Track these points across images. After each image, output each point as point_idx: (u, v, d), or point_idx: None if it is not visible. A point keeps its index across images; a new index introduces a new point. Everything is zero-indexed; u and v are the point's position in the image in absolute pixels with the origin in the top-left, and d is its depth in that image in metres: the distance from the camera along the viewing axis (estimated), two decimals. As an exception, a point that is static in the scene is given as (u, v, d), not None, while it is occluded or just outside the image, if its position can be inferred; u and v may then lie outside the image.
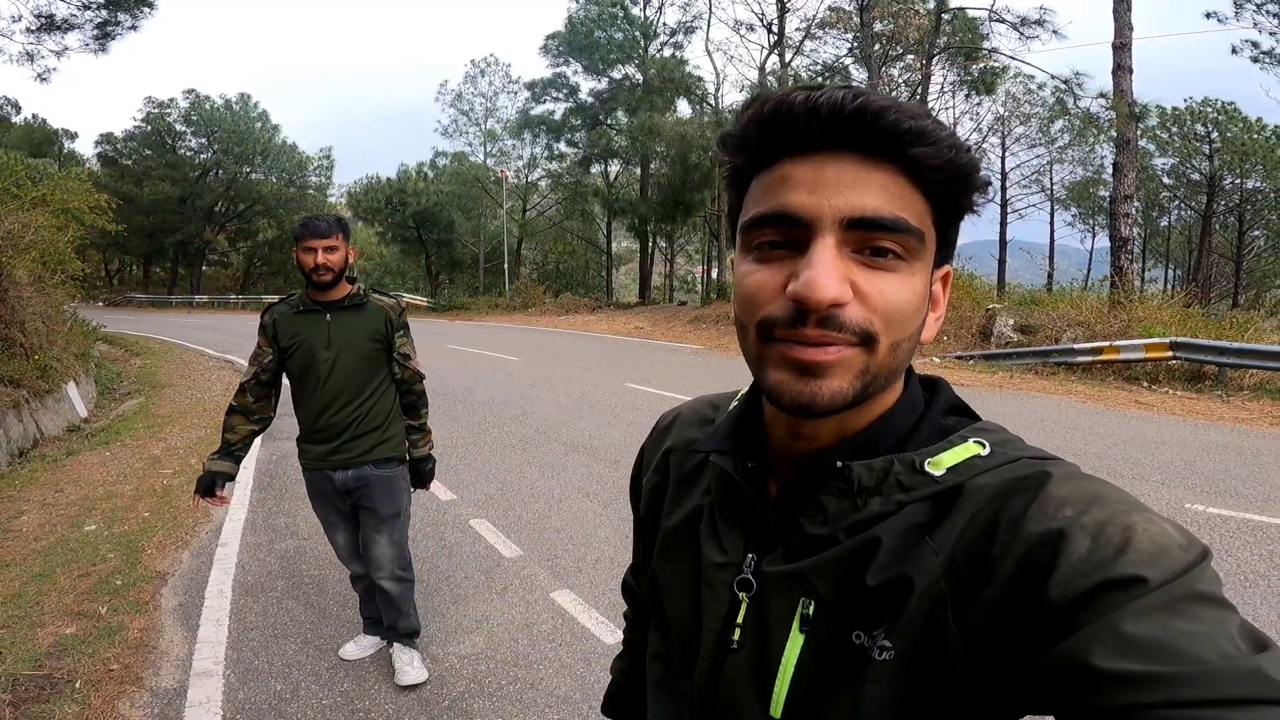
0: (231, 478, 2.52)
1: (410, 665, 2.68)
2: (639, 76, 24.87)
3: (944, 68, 17.78)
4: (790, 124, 0.50)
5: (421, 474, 2.74)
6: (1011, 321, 12.31)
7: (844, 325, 0.48)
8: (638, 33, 25.43)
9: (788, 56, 20.03)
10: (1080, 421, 7.26)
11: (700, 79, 25.14)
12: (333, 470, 2.53)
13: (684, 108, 25.22)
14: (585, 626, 3.09)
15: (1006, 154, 29.15)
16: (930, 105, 24.88)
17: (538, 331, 18.39)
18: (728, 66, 66.16)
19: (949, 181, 0.50)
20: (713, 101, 24.89)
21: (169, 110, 35.93)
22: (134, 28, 14.03)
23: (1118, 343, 10.02)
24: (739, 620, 0.57)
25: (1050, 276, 28.77)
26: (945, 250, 0.55)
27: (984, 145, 27.52)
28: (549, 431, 6.81)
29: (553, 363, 12.07)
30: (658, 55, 25.09)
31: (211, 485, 2.45)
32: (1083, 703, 0.40)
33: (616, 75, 25.77)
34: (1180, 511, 4.42)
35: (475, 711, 2.53)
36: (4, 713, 2.45)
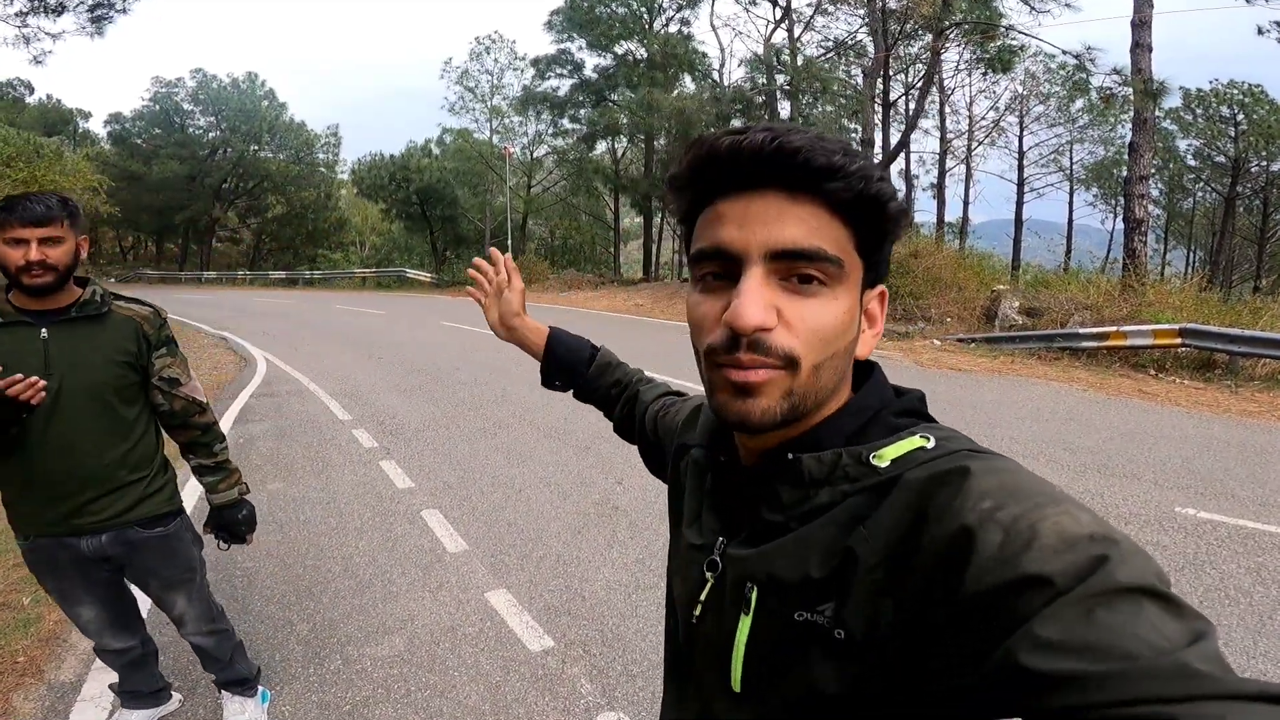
0: None
1: (239, 715, 2.29)
2: (642, 52, 24.33)
3: (960, 45, 17.17)
4: (719, 167, 0.55)
5: (229, 526, 2.10)
6: (1017, 304, 11.96)
7: (770, 349, 0.53)
8: (642, 8, 24.81)
9: (797, 31, 19.42)
10: (1078, 411, 6.98)
11: (705, 55, 24.56)
12: (73, 536, 1.87)
13: (690, 84, 24.70)
14: (513, 631, 2.92)
15: (1025, 132, 28.35)
16: (945, 84, 24.20)
17: (536, 309, 18.08)
18: (735, 42, 64.89)
19: (864, 210, 0.55)
20: (717, 77, 24.31)
21: (177, 90, 36.09)
22: (124, 10, 13.85)
23: (1125, 328, 9.66)
24: (701, 598, 0.64)
25: (1068, 256, 28.14)
26: (875, 271, 0.60)
27: (1001, 124, 26.74)
28: (525, 415, 6.65)
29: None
30: (662, 31, 24.50)
31: None
32: (1017, 704, 0.40)
33: (620, 51, 25.22)
34: (1168, 516, 4.18)
35: (375, 718, 2.38)
36: None
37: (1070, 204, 31.41)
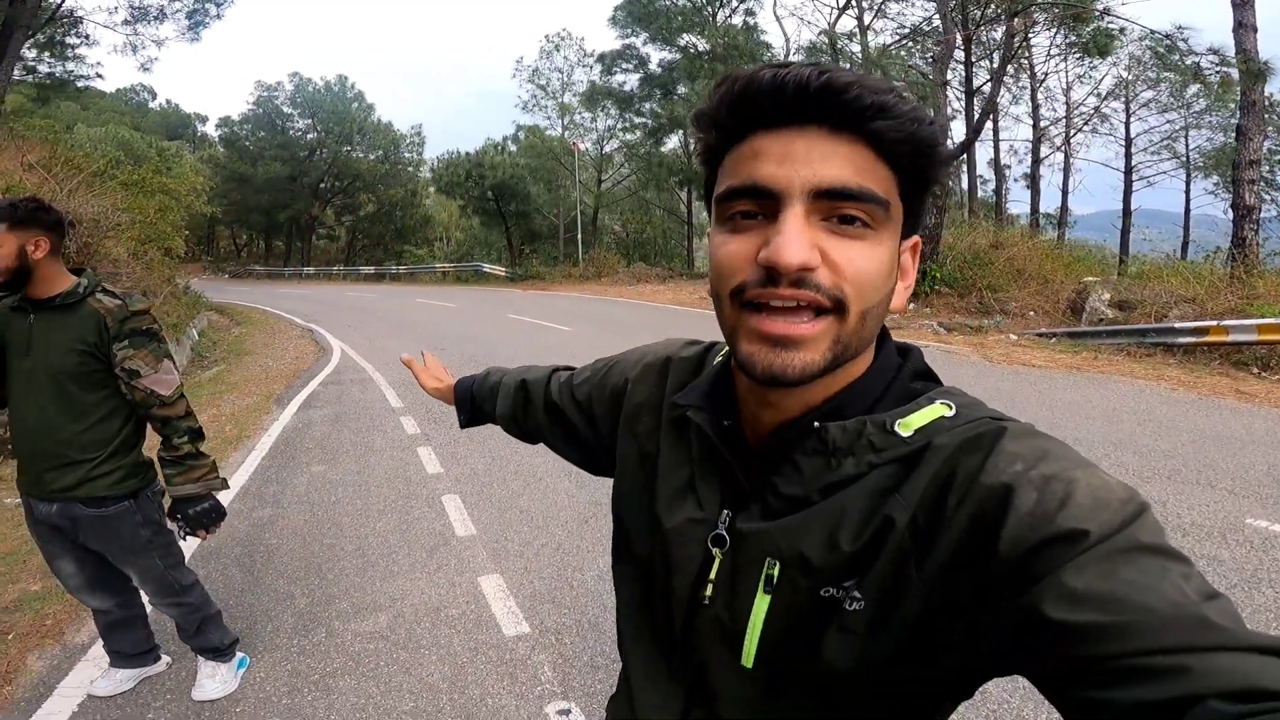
0: None
1: (211, 679, 2.44)
2: (704, 45, 24.03)
3: (1049, 28, 15.98)
4: (759, 101, 0.52)
5: (186, 517, 2.13)
6: (1108, 296, 11.06)
7: (818, 286, 0.50)
8: (704, 0, 24.49)
9: (867, 19, 18.60)
10: (1159, 412, 6.39)
11: (769, 45, 23.97)
12: (35, 500, 2.09)
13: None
14: (493, 615, 2.96)
15: (1132, 119, 26.10)
16: (1037, 69, 22.59)
17: (602, 302, 18.32)
18: (801, 31, 62.80)
19: (911, 154, 0.52)
20: None
21: (277, 93, 38.04)
22: (219, 16, 15.00)
23: (1226, 322, 8.76)
24: (711, 576, 0.60)
25: (1184, 248, 25.77)
26: (913, 221, 0.57)
27: (1103, 110, 24.70)
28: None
29: (602, 334, 11.98)
30: (725, 22, 24.11)
31: None
32: (1041, 653, 0.42)
33: (682, 43, 25.00)
34: (1235, 527, 3.76)
35: (337, 689, 2.47)
36: None
37: (1187, 193, 28.75)
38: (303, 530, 3.91)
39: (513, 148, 32.87)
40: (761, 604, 0.56)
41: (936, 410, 0.55)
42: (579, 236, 27.75)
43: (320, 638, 2.80)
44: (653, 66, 26.59)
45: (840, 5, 18.45)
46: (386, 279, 31.85)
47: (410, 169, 40.68)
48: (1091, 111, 24.88)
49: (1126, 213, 26.54)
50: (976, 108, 16.00)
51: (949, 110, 15.29)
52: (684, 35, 24.80)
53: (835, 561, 0.53)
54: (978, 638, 0.47)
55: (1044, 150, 24.78)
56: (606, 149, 31.72)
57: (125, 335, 2.00)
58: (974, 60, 17.09)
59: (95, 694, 2.42)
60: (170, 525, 2.23)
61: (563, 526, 3.88)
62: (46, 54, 16.52)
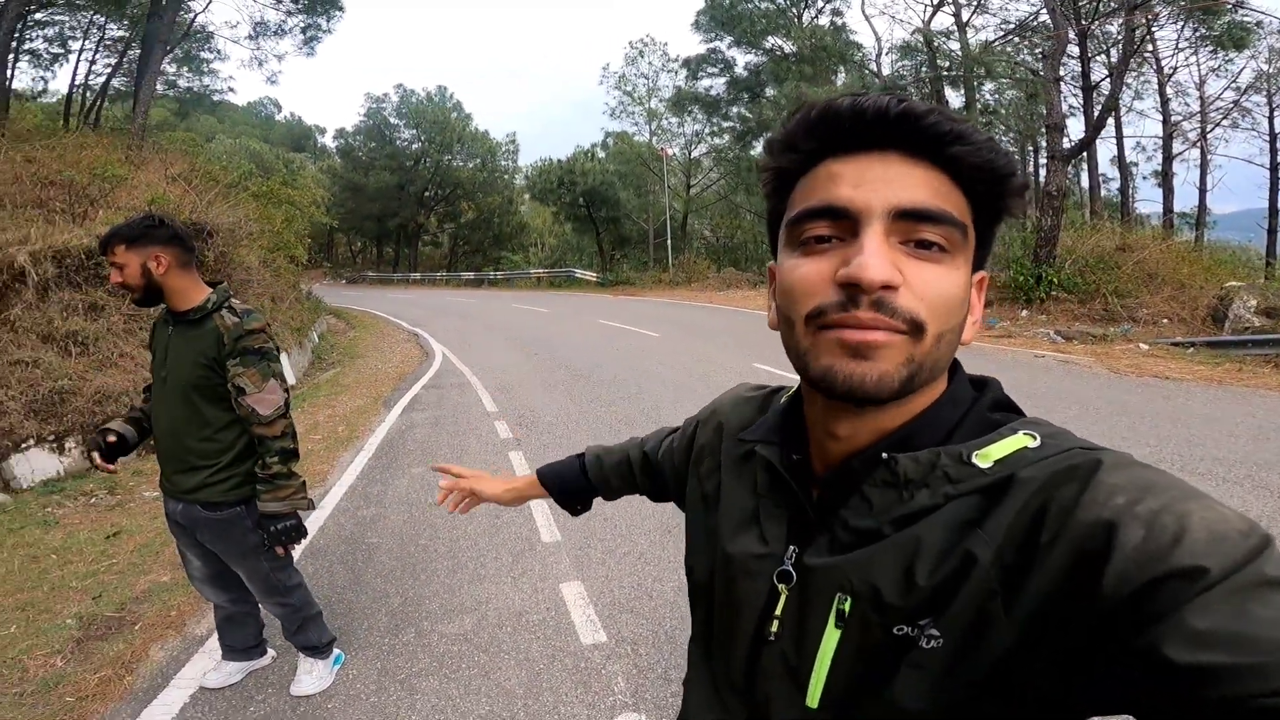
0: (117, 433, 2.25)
1: (308, 674, 2.58)
2: (790, 47, 23.50)
3: (1176, 21, 14.59)
4: (837, 125, 0.53)
5: (269, 532, 2.21)
6: (1254, 303, 9.95)
7: (895, 310, 0.49)
8: (788, 2, 23.92)
9: (965, 15, 17.59)
10: (1316, 433, 5.65)
11: (859, 45, 23.17)
12: (167, 496, 2.30)
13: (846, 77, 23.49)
14: (573, 623, 3.00)
15: (1276, 112, 23.34)
16: (1163, 63, 20.63)
17: (691, 307, 18.31)
18: (893, 29, 59.74)
19: (988, 181, 0.52)
20: (875, 67, 22.78)
21: (384, 105, 40.05)
22: (329, 30, 16.27)
23: (1406, 332, 7.67)
24: (777, 612, 0.59)
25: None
26: (983, 253, 0.57)
27: (1242, 104, 22.21)
28: (654, 413, 6.74)
29: (690, 339, 11.96)
30: (811, 24, 23.53)
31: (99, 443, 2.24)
32: (1161, 696, 0.40)
33: (768, 46, 24.55)
34: None
35: (420, 689, 2.57)
36: (68, 645, 2.89)
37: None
38: (401, 530, 4.11)
39: (602, 154, 33.42)
40: (830, 640, 0.54)
41: (1019, 441, 0.52)
42: (668, 242, 27.78)
43: (409, 638, 2.92)
44: (739, 70, 26.42)
45: (935, 2, 17.59)
46: (485, 284, 33.06)
47: (506, 176, 41.92)
48: (1230, 105, 22.44)
49: (1274, 212, 23.79)
50: (1095, 104, 14.83)
51: (1064, 108, 14.24)
52: (769, 38, 24.48)
53: (911, 598, 0.50)
54: (1071, 678, 0.44)
55: (1176, 146, 22.60)
56: (694, 154, 31.68)
57: (238, 353, 2.11)
58: (1090, 55, 15.84)
59: (207, 686, 2.60)
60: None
61: (645, 536, 3.88)
62: (185, 69, 18.47)
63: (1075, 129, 17.00)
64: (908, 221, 0.50)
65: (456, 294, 28.45)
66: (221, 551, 2.32)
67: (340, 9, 16.83)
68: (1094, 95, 15.25)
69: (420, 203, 40.74)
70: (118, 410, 5.53)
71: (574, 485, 1.10)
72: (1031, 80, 14.74)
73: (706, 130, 29.44)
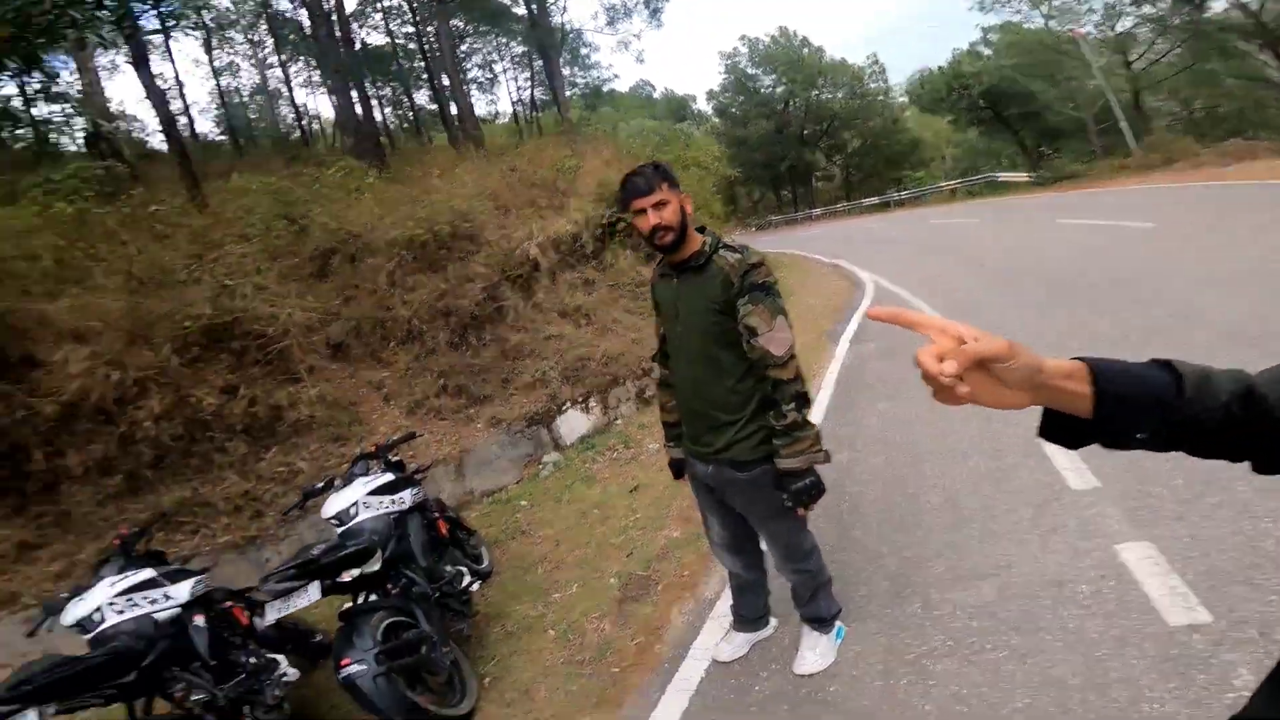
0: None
1: (811, 650, 2.38)
2: None
3: None
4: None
5: (789, 492, 2.00)
6: None
7: None
8: None
9: None
10: None
11: None
12: (695, 459, 2.23)
13: None
14: (1147, 596, 2.22)
15: None
16: None
17: (1188, 189, 13.64)
18: None
19: None
20: None
21: (737, 58, 41.08)
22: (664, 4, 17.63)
23: None
24: None
25: None
26: None
27: None
28: (1190, 315, 4.94)
29: (1198, 224, 8.91)
30: None
31: (680, 470, 2.37)
32: None
33: None
34: None
35: (935, 673, 2.16)
36: (613, 606, 3.23)
37: None
38: (883, 475, 3.75)
39: (986, 51, 29.86)
40: None
41: None
42: (1123, 125, 22.21)
43: (915, 609, 2.53)
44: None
45: None
46: (890, 206, 31.19)
47: (880, 98, 40.03)
48: None
49: None
50: None
51: None
52: None
53: None
54: None
55: None
56: (1119, 28, 24.60)
57: (746, 290, 1.97)
58: None
59: (718, 659, 2.59)
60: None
61: (1244, 479, 2.73)
62: (575, 68, 21.83)
63: None
64: None
65: (862, 221, 27.13)
66: (752, 513, 2.21)
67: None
68: None
69: (802, 141, 40.95)
70: (623, 370, 6.37)
71: (1145, 394, 0.67)
72: None
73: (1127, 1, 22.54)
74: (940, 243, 13.61)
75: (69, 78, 13.06)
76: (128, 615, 2.42)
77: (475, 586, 3.38)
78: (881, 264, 12.23)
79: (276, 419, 5.10)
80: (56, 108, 12.39)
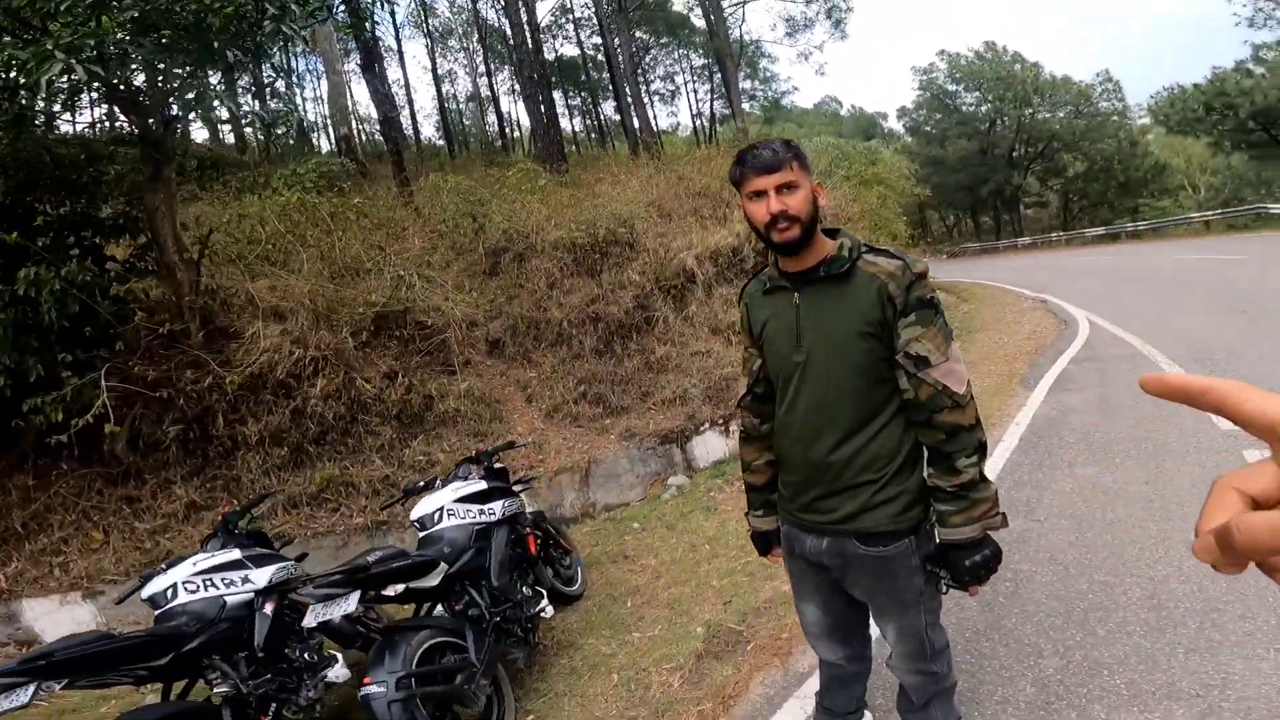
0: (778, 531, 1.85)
1: None
2: None
3: None
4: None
5: (957, 568, 1.53)
6: None
7: None
8: None
9: None
10: None
11: None
12: (800, 530, 1.70)
13: None
14: None
15: None
16: None
17: None
18: None
19: None
20: None
21: (934, 74, 38.33)
22: (850, 9, 16.44)
23: None
24: None
25: None
26: None
27: None
28: None
29: None
30: None
31: (767, 544, 1.91)
32: None
33: None
34: None
35: None
36: (690, 659, 2.84)
37: None
38: (1066, 554, 3.03)
39: (1257, 69, 26.00)
40: None
41: None
42: None
43: (1074, 726, 1.90)
44: None
45: None
46: (1121, 238, 27.47)
47: (1115, 118, 35.59)
48: None
49: None
50: None
51: None
52: None
53: None
54: None
55: None
56: None
57: (913, 305, 1.48)
58: None
59: None
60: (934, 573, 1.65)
61: None
62: (754, 80, 21.50)
63: None
64: None
65: (1083, 253, 23.86)
66: (876, 600, 1.69)
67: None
68: None
69: (1010, 164, 37.50)
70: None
71: None
72: None
73: None
74: (1189, 281, 11.41)
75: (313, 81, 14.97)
76: (198, 596, 2.41)
77: (548, 613, 3.14)
78: (1105, 302, 10.48)
79: (427, 408, 5.35)
80: (301, 105, 14.15)
